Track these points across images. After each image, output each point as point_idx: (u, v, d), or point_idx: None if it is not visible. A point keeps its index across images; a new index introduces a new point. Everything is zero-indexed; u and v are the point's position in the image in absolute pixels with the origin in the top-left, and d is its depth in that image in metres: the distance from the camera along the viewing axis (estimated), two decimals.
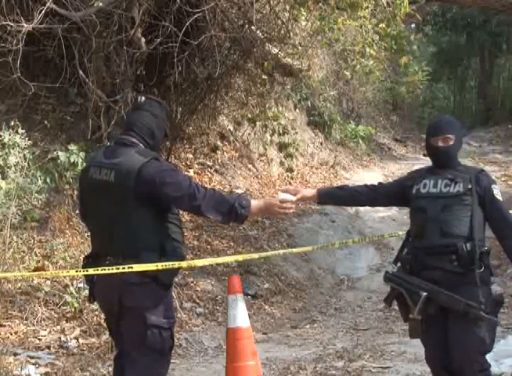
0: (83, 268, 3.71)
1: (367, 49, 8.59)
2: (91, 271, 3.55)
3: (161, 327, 3.53)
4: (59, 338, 5.64)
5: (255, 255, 5.43)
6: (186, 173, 3.79)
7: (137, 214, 3.47)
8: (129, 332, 3.59)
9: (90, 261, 3.66)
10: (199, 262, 4.53)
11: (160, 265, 3.47)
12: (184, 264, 3.87)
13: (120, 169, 3.49)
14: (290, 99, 12.17)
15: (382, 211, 11.30)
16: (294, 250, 5.66)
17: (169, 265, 3.51)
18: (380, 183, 4.17)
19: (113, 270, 3.42)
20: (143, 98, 3.71)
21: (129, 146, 3.58)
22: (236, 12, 8.42)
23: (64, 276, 5.94)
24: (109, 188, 3.51)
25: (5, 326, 5.59)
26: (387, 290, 8.61)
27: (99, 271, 3.48)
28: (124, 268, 3.41)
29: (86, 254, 3.87)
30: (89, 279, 3.69)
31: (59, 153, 6.98)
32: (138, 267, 3.42)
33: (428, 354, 3.86)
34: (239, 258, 5.00)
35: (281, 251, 5.10)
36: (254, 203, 3.62)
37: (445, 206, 3.70)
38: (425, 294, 3.62)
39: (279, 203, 3.74)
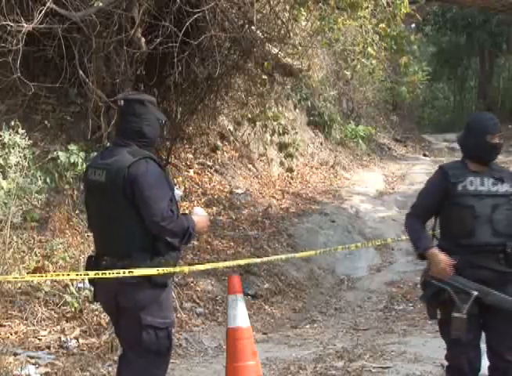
0: (86, 268, 3.75)
1: (369, 49, 8.59)
2: (91, 274, 3.57)
3: (157, 327, 3.53)
4: (59, 338, 5.63)
5: (257, 260, 5.40)
6: (174, 187, 3.72)
7: (128, 213, 3.50)
8: (126, 332, 3.61)
9: (92, 260, 3.69)
10: (200, 267, 4.50)
11: (161, 270, 3.47)
12: (185, 268, 3.89)
13: (111, 169, 3.53)
14: (290, 99, 12.18)
15: (382, 211, 11.30)
16: (297, 254, 5.64)
17: (170, 269, 3.52)
18: (418, 207, 3.97)
19: (113, 274, 3.43)
20: (122, 101, 3.69)
21: (123, 146, 3.61)
22: (236, 12, 8.42)
23: (63, 275, 5.94)
24: (102, 188, 3.55)
25: (5, 326, 5.58)
26: (387, 290, 8.63)
27: (100, 274, 3.49)
28: (124, 272, 3.42)
29: (87, 253, 3.89)
30: (91, 279, 3.72)
31: (59, 153, 6.99)
32: (138, 271, 3.43)
33: (456, 352, 3.83)
34: (241, 262, 4.97)
35: (283, 256, 5.06)
36: (197, 223, 3.64)
37: (495, 205, 3.76)
38: (476, 293, 3.65)
39: (207, 220, 3.78)
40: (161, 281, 3.54)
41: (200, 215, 3.77)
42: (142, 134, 3.62)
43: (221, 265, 4.69)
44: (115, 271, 3.45)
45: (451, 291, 3.70)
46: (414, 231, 3.92)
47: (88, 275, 3.62)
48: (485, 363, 4.95)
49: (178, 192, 3.89)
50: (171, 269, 3.52)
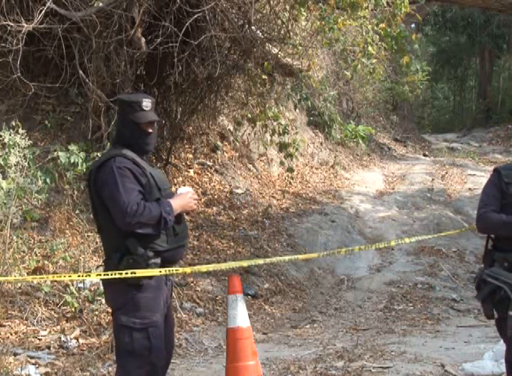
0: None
1: (369, 48, 8.58)
2: (93, 275, 3.60)
3: (132, 327, 3.46)
4: (59, 338, 5.63)
5: (260, 261, 5.37)
6: (134, 186, 3.61)
7: (103, 214, 3.54)
8: (113, 332, 3.65)
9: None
10: (203, 268, 4.48)
11: (163, 271, 3.46)
12: (188, 270, 3.91)
13: (90, 170, 3.61)
14: (290, 99, 12.14)
15: (382, 211, 11.30)
16: (300, 256, 5.61)
17: (172, 270, 3.51)
18: (488, 205, 3.89)
19: (115, 275, 3.42)
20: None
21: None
22: (236, 12, 8.41)
23: (64, 277, 5.94)
24: (88, 189, 3.64)
25: (5, 326, 5.58)
26: (387, 290, 8.61)
27: (102, 275, 3.52)
28: (126, 273, 3.41)
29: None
30: None
31: (60, 154, 6.97)
32: (140, 272, 3.42)
33: None
34: (244, 264, 4.92)
35: (286, 258, 5.00)
36: (174, 202, 3.55)
37: None
38: None
39: (190, 195, 3.66)
40: (132, 281, 3.44)
41: (179, 193, 3.68)
42: (119, 131, 3.68)
43: (223, 266, 4.58)
44: (117, 272, 3.44)
45: (507, 289, 3.66)
46: (504, 218, 3.79)
47: (89, 276, 3.66)
48: (486, 363, 4.96)
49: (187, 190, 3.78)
50: (173, 269, 3.51)
